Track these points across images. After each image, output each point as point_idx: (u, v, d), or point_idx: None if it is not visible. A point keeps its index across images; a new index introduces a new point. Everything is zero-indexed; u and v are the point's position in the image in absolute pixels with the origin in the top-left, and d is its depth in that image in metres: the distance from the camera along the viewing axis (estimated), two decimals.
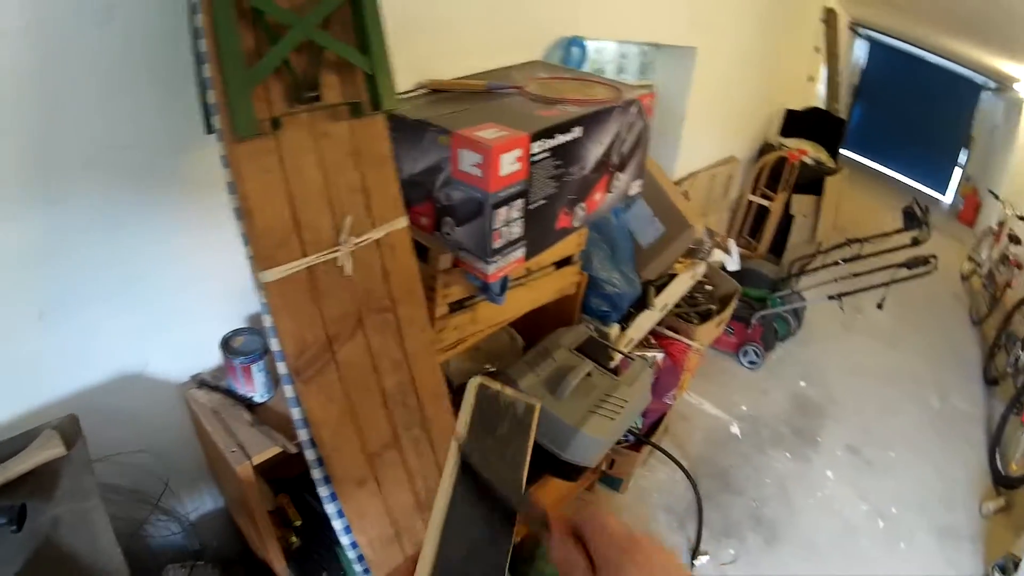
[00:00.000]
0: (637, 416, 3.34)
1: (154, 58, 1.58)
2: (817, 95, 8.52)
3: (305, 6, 1.45)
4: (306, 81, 1.50)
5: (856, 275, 4.87)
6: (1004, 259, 6.81)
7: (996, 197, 8.01)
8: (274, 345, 1.59)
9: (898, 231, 5.27)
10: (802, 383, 5.03)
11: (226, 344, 1.93)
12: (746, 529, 3.57)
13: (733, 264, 4.18)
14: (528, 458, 0.76)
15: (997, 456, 4.44)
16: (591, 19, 2.97)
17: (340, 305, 1.66)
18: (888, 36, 10.69)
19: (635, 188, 2.51)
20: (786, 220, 6.41)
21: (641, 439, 3.52)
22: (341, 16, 1.53)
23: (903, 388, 5.24)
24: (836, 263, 5.24)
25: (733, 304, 4.37)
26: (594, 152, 2.13)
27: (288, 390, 1.63)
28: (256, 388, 1.96)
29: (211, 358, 2.09)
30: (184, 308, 1.97)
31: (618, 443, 3.29)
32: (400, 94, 1.74)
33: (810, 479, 4.06)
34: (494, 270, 1.93)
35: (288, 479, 2.21)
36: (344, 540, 1.79)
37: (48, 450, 1.51)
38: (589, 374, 2.54)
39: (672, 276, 3.54)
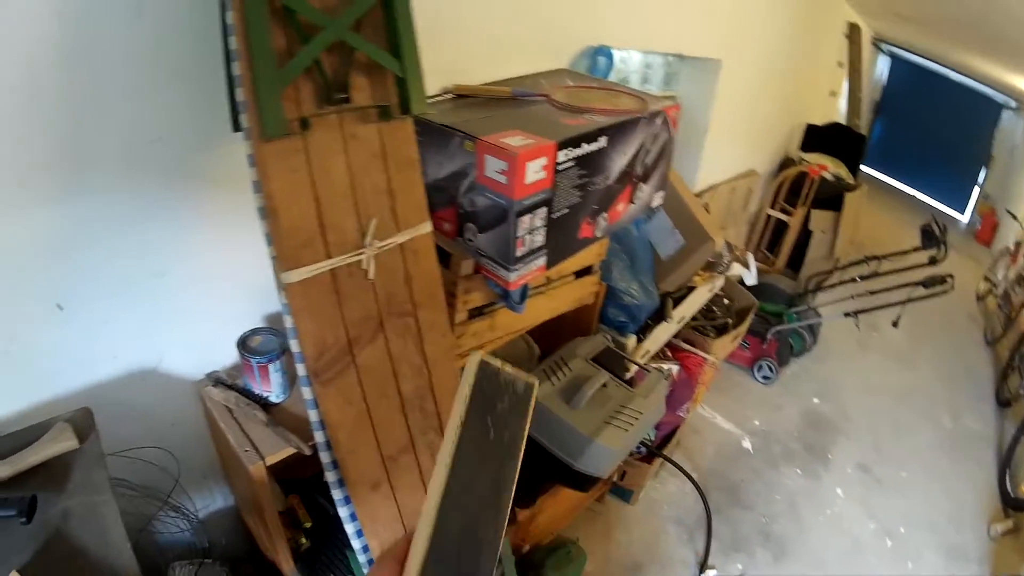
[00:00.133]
0: (651, 428, 3.32)
1: (184, 54, 1.58)
2: (838, 110, 8.48)
3: (337, 7, 1.45)
4: (336, 82, 1.49)
5: (873, 292, 4.84)
6: (1020, 280, 6.77)
7: (1014, 217, 7.97)
8: (294, 346, 1.58)
9: (916, 249, 5.24)
10: (815, 399, 5.00)
11: (243, 343, 1.93)
12: (755, 544, 3.54)
13: (751, 278, 4.16)
14: (524, 442, 0.75)
15: (1007, 478, 4.40)
16: (618, 28, 2.96)
17: (362, 308, 1.65)
18: (911, 52, 10.64)
19: (657, 199, 2.50)
20: (804, 235, 6.38)
21: (653, 451, 3.50)
22: (373, 18, 1.52)
23: (916, 407, 5.20)
24: (853, 280, 5.22)
25: (750, 318, 4.35)
26: (618, 162, 2.12)
27: (306, 392, 1.62)
28: (272, 388, 1.96)
29: (227, 356, 2.08)
30: (202, 305, 1.97)
31: (630, 454, 3.28)
32: (427, 98, 1.73)
33: (820, 496, 4.04)
34: (515, 278, 1.92)
35: (300, 480, 2.20)
36: (356, 543, 1.78)
37: (61, 443, 1.51)
38: (605, 385, 2.53)
39: (690, 289, 3.52)
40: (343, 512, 1.74)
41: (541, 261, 2.00)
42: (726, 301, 4.32)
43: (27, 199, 1.49)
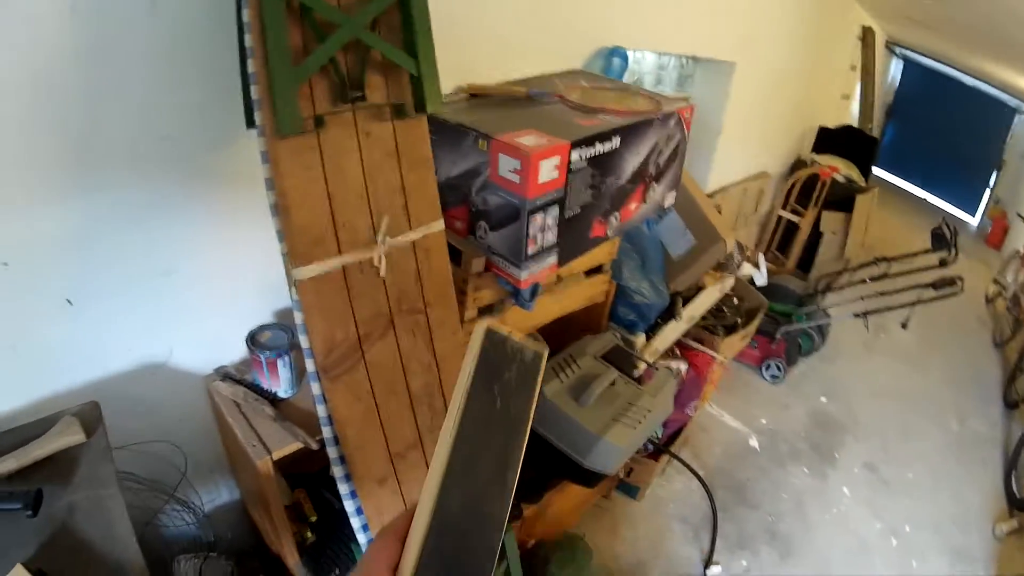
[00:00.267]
0: (658, 426, 3.32)
1: (197, 52, 1.59)
2: (851, 113, 8.46)
3: (354, 6, 1.45)
4: (352, 80, 1.50)
5: (882, 294, 4.83)
6: None
7: None
8: (303, 342, 1.58)
9: (926, 251, 5.22)
10: (823, 399, 4.99)
11: (252, 338, 1.94)
12: (760, 543, 3.54)
13: (761, 279, 4.16)
14: (532, 414, 0.72)
15: (1013, 479, 4.40)
16: (632, 30, 2.96)
17: (372, 305, 1.66)
18: (924, 56, 10.61)
19: (669, 200, 2.50)
20: (815, 236, 6.38)
21: (660, 448, 3.50)
22: (389, 17, 1.53)
23: (923, 408, 5.19)
24: (863, 281, 5.21)
25: (759, 318, 4.34)
26: (631, 163, 2.12)
27: (315, 387, 1.63)
28: (280, 383, 1.96)
29: (236, 351, 2.09)
30: (212, 300, 1.97)
31: (637, 451, 3.28)
32: (442, 97, 1.74)
33: (826, 495, 4.03)
34: (526, 276, 1.92)
35: (306, 475, 2.21)
36: (361, 538, 1.79)
37: (68, 436, 1.52)
38: (613, 383, 2.52)
39: (700, 288, 3.52)
40: (349, 506, 1.74)
41: (552, 260, 2.00)
42: (736, 301, 4.31)
43: (37, 196, 1.50)
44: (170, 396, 2.01)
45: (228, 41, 1.53)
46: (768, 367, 4.96)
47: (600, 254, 2.51)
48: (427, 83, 1.59)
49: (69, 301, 1.66)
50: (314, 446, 1.80)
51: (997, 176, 11.36)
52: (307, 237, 1.49)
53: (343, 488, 1.72)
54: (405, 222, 1.68)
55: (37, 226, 1.52)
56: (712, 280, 3.58)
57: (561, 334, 2.80)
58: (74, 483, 1.46)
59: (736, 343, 4.14)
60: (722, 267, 3.59)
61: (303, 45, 1.42)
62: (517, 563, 2.35)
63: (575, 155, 1.82)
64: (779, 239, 6.52)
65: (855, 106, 8.48)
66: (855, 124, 8.19)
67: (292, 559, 2.07)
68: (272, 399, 1.97)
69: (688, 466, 3.53)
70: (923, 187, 12.89)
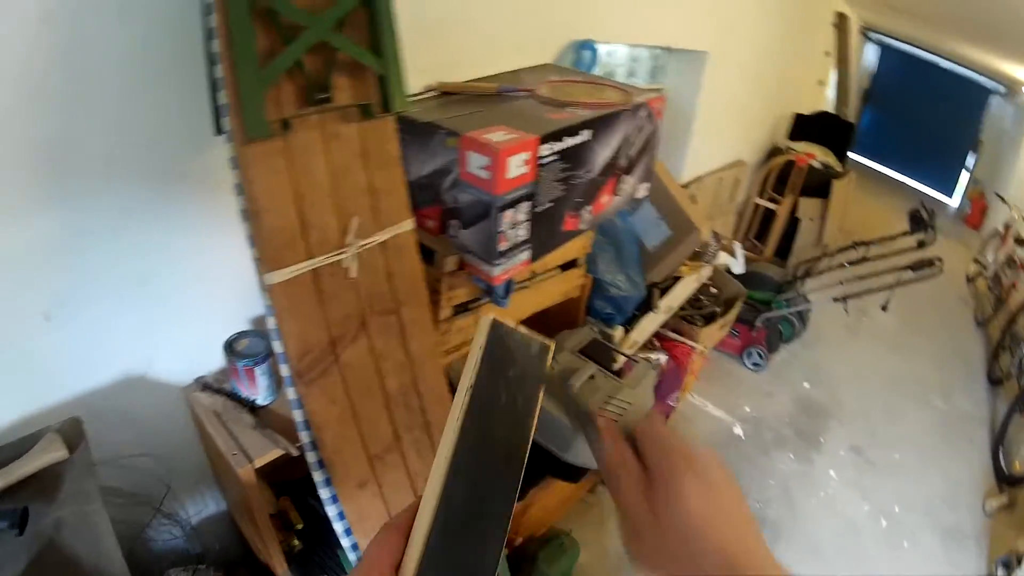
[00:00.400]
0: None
1: (168, 58, 1.58)
2: (826, 99, 8.50)
3: (319, 7, 1.44)
4: (318, 82, 1.49)
5: (861, 278, 4.86)
6: (1010, 261, 6.85)
7: (1003, 200, 8.00)
8: (277, 347, 1.58)
9: (904, 234, 5.25)
10: (806, 384, 5.02)
11: (230, 347, 1.93)
12: None
13: (738, 268, 4.18)
14: (538, 407, 0.71)
15: (1001, 455, 4.46)
16: (603, 23, 2.96)
17: (344, 307, 1.65)
18: (899, 40, 10.67)
19: (642, 191, 2.50)
20: (792, 223, 6.41)
21: None
22: (355, 18, 1.52)
23: (907, 389, 5.23)
24: (842, 266, 5.23)
25: (737, 307, 4.36)
26: (602, 155, 2.12)
27: (290, 392, 1.62)
28: (259, 391, 1.95)
29: (214, 360, 2.08)
30: (189, 309, 1.96)
31: None
32: (410, 96, 1.73)
33: (813, 480, 4.06)
34: (499, 272, 1.92)
35: (290, 482, 2.20)
36: (345, 542, 1.78)
37: (50, 453, 1.51)
38: (592, 376, 2.51)
39: (677, 279, 3.53)
40: (331, 511, 1.73)
41: (525, 255, 2.00)
42: (714, 290, 4.33)
43: (10, 207, 1.48)
44: (151, 409, 1.99)
45: (199, 47, 1.53)
46: (750, 355, 4.99)
47: (574, 248, 2.52)
48: (393, 82, 1.59)
49: (46, 317, 1.65)
50: (295, 452, 1.79)
51: (975, 158, 11.44)
52: (277, 241, 1.48)
53: (324, 493, 1.71)
54: (374, 223, 1.67)
55: (9, 239, 1.51)
56: (689, 270, 3.60)
57: (538, 330, 2.78)
58: (59, 500, 1.45)
59: (715, 332, 4.16)
60: (699, 257, 3.60)
61: (269, 49, 1.41)
62: (504, 561, 2.35)
63: (544, 149, 1.82)
64: (757, 227, 6.57)
65: (831, 92, 8.52)
66: (831, 110, 8.23)
67: (280, 568, 2.06)
68: (252, 407, 1.96)
69: None
70: (901, 171, 12.99)
